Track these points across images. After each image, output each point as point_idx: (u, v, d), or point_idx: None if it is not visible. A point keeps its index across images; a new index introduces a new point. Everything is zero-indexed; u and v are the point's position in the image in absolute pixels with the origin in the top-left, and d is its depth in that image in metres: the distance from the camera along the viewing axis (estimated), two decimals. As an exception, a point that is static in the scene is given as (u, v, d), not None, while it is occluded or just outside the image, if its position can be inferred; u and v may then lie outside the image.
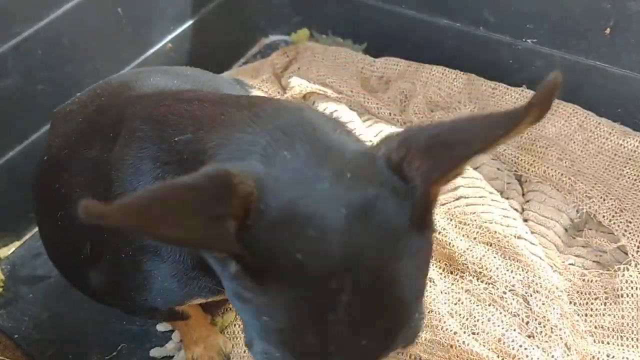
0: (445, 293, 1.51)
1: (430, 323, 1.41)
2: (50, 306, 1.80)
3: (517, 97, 2.05)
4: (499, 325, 1.42)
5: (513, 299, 1.47)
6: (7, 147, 1.89)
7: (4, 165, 1.88)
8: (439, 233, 1.61)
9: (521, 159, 1.87)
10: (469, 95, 2.11)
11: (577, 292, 1.59)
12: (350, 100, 2.13)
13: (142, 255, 1.02)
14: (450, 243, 1.58)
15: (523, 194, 1.85)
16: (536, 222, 1.73)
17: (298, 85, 2.11)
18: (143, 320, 1.72)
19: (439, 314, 1.42)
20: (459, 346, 1.35)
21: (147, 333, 1.70)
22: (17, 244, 1.97)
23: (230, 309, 1.69)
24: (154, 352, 1.63)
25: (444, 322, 1.40)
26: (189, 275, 1.01)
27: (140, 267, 1.04)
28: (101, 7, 1.97)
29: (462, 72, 2.14)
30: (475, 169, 1.86)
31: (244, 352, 1.60)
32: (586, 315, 1.55)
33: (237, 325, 1.65)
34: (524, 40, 2.01)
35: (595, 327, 1.52)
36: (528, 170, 1.85)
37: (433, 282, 1.52)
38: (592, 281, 1.59)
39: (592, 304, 1.56)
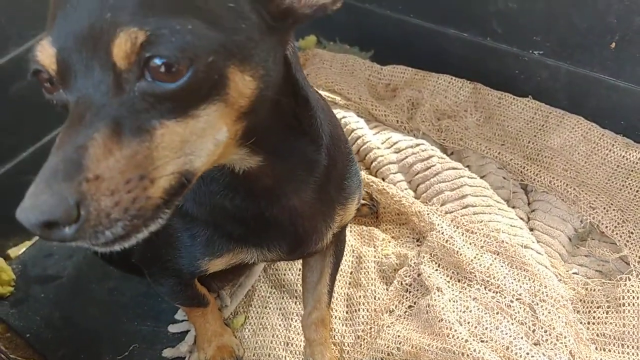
0: (454, 301, 1.54)
1: (440, 332, 1.45)
2: (62, 306, 1.83)
3: (523, 107, 2.09)
4: (506, 333, 1.46)
5: (520, 308, 1.51)
6: (20, 148, 1.91)
7: (16, 165, 1.91)
8: (446, 241, 1.65)
9: (527, 169, 1.91)
10: (475, 104, 2.14)
11: (581, 300, 1.63)
12: (359, 108, 2.17)
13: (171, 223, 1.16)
14: (457, 251, 1.62)
15: (529, 203, 1.89)
16: (542, 231, 1.77)
17: (307, 92, 2.15)
18: (154, 322, 1.75)
19: (449, 322, 1.46)
20: (470, 354, 1.39)
21: (158, 334, 1.73)
22: (28, 243, 1.99)
23: (240, 312, 1.73)
24: (167, 352, 1.66)
25: (454, 331, 1.43)
26: (207, 236, 1.16)
27: (172, 235, 1.18)
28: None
29: (468, 81, 2.18)
30: (482, 177, 1.90)
31: (254, 355, 1.64)
32: (589, 323, 1.59)
33: (247, 329, 1.69)
34: (530, 51, 2.05)
35: (598, 335, 1.57)
36: (534, 180, 1.89)
37: (441, 290, 1.55)
38: (595, 290, 1.63)
39: (594, 312, 1.61)
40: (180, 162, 0.76)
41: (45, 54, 0.74)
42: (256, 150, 0.93)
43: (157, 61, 0.70)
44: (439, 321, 1.46)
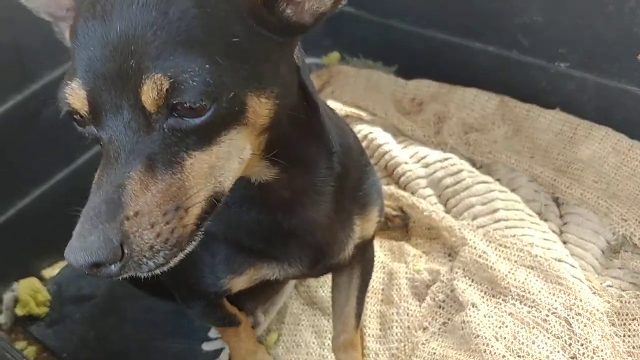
0: (489, 317, 1.54)
1: (477, 348, 1.45)
2: (97, 325, 1.85)
3: (551, 119, 2.09)
4: (543, 348, 1.46)
5: (556, 322, 1.50)
6: (54, 170, 1.95)
7: (51, 186, 1.93)
8: (480, 256, 1.65)
9: (558, 182, 1.91)
10: (502, 117, 2.14)
11: (616, 313, 1.62)
12: (385, 123, 2.18)
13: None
14: (491, 266, 1.62)
15: (560, 216, 1.88)
16: (574, 244, 1.76)
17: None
18: (188, 340, 1.76)
19: (485, 338, 1.46)
20: (509, 370, 1.39)
21: (192, 352, 1.74)
22: (62, 264, 2.01)
23: (273, 329, 1.74)
24: (201, 371, 1.67)
25: (491, 347, 1.43)
26: (226, 253, 1.18)
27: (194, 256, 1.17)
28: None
29: (495, 94, 2.18)
30: (513, 191, 1.89)
31: (288, 372, 1.64)
32: (624, 336, 1.58)
33: (281, 347, 1.69)
34: (557, 63, 2.05)
35: (634, 348, 1.55)
36: (565, 192, 1.89)
37: (476, 306, 1.55)
38: (629, 302, 1.62)
39: (629, 324, 1.59)
40: (211, 187, 0.81)
41: (76, 97, 0.78)
42: (275, 161, 0.96)
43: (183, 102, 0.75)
44: (475, 337, 1.46)
